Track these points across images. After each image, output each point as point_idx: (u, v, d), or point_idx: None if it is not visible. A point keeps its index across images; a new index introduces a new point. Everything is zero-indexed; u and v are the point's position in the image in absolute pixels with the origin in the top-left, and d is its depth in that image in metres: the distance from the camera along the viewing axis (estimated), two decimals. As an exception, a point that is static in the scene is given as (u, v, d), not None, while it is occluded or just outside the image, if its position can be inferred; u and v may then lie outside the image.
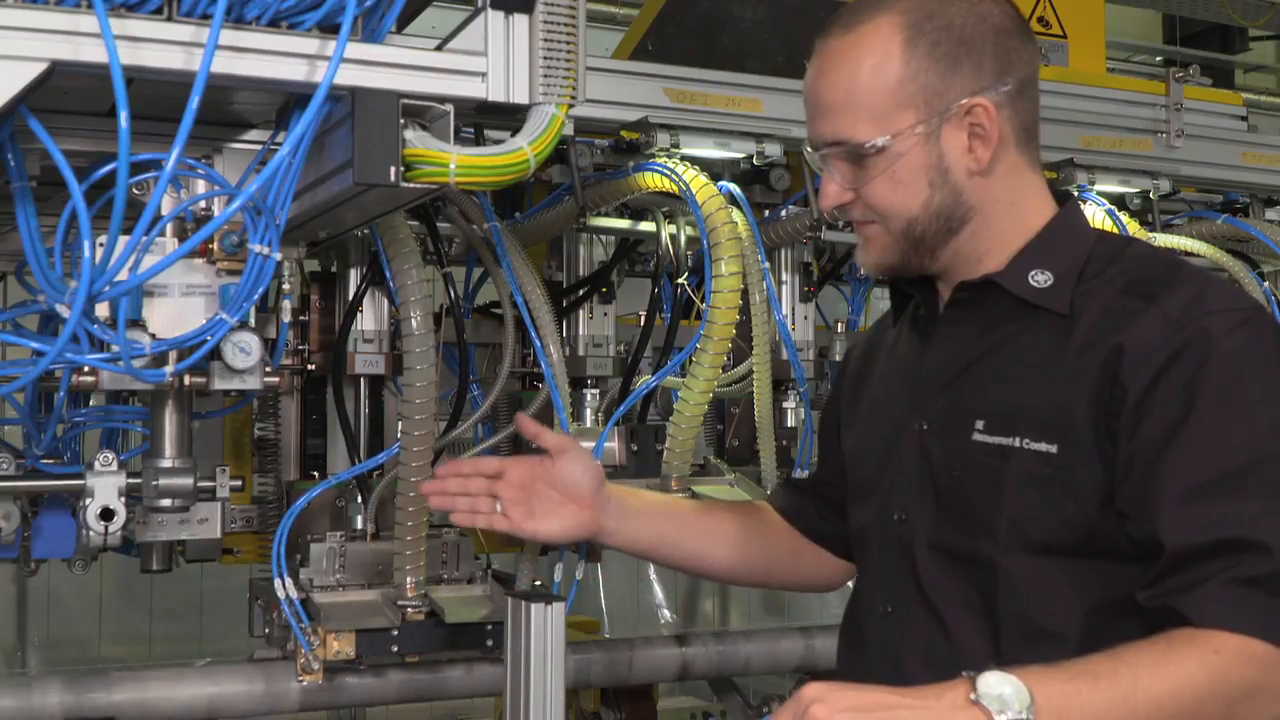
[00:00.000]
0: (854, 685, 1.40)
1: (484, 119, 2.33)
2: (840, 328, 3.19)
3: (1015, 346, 1.62)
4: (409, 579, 2.33)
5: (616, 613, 5.99)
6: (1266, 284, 3.32)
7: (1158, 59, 8.93)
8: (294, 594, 2.29)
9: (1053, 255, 1.63)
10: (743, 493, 2.69)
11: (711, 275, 2.29)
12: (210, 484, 2.13)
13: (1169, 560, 1.44)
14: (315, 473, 2.65)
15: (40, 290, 1.69)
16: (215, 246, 1.85)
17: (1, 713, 2.29)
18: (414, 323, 2.19)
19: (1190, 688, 1.36)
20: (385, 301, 2.50)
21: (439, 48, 1.77)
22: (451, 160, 1.66)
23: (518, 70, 1.74)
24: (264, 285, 1.75)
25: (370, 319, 2.51)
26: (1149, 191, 2.96)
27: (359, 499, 2.51)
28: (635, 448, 2.66)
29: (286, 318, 2.04)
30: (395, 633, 2.31)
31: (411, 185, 1.65)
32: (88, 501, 2.02)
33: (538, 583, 2.44)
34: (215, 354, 1.83)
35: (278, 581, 2.28)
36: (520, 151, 1.72)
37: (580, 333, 2.76)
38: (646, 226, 2.74)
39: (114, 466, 2.04)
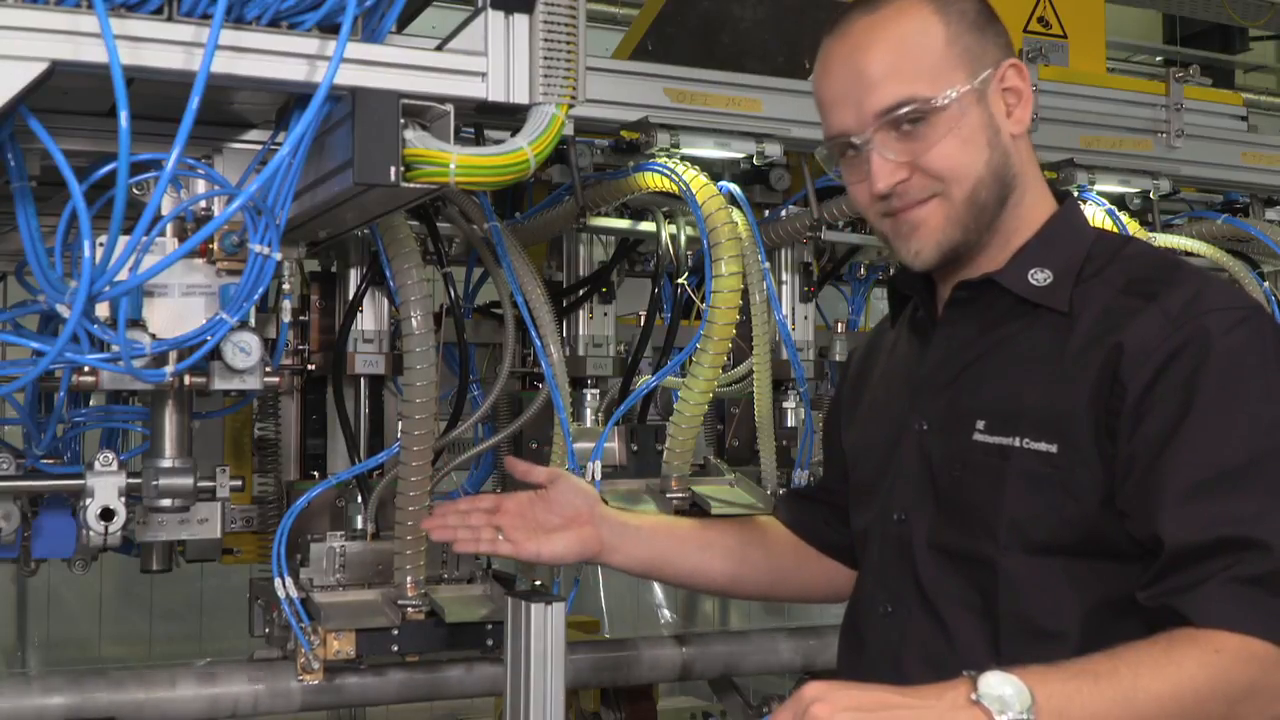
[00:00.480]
0: (855, 684, 1.40)
1: (484, 119, 2.33)
2: (840, 328, 3.19)
3: (1015, 346, 1.62)
4: (409, 579, 2.33)
5: (616, 613, 5.99)
6: (1266, 284, 3.32)
7: (1158, 59, 8.94)
8: (294, 594, 2.29)
9: (1052, 254, 1.63)
10: (743, 493, 2.69)
11: (711, 275, 2.29)
12: (210, 484, 2.13)
13: (1168, 559, 1.44)
14: (315, 473, 2.65)
15: (40, 290, 1.69)
16: (215, 246, 1.85)
17: (1, 713, 2.29)
18: (414, 323, 2.19)
19: (1191, 687, 1.37)
20: (385, 301, 2.50)
21: (439, 48, 1.77)
22: (451, 160, 1.66)
23: (518, 70, 1.74)
24: (264, 285, 1.75)
25: (370, 319, 2.51)
26: (1149, 191, 2.96)
27: (359, 499, 2.51)
28: (635, 448, 2.66)
29: (286, 318, 2.04)
30: (395, 632, 2.31)
31: (411, 185, 1.65)
32: (88, 501, 2.02)
33: (538, 583, 2.44)
34: (215, 354, 1.83)
35: (278, 581, 2.28)
36: (520, 151, 1.72)
37: (580, 333, 2.76)
38: (646, 226, 2.74)
39: (114, 466, 2.04)
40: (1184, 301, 1.51)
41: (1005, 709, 1.30)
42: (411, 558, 2.34)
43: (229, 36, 1.57)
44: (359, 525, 2.49)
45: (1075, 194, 2.87)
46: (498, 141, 1.82)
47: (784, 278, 2.97)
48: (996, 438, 1.58)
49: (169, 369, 1.79)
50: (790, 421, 2.98)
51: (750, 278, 2.48)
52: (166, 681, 2.39)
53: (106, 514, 2.02)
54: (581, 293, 2.76)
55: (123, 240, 1.62)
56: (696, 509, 2.55)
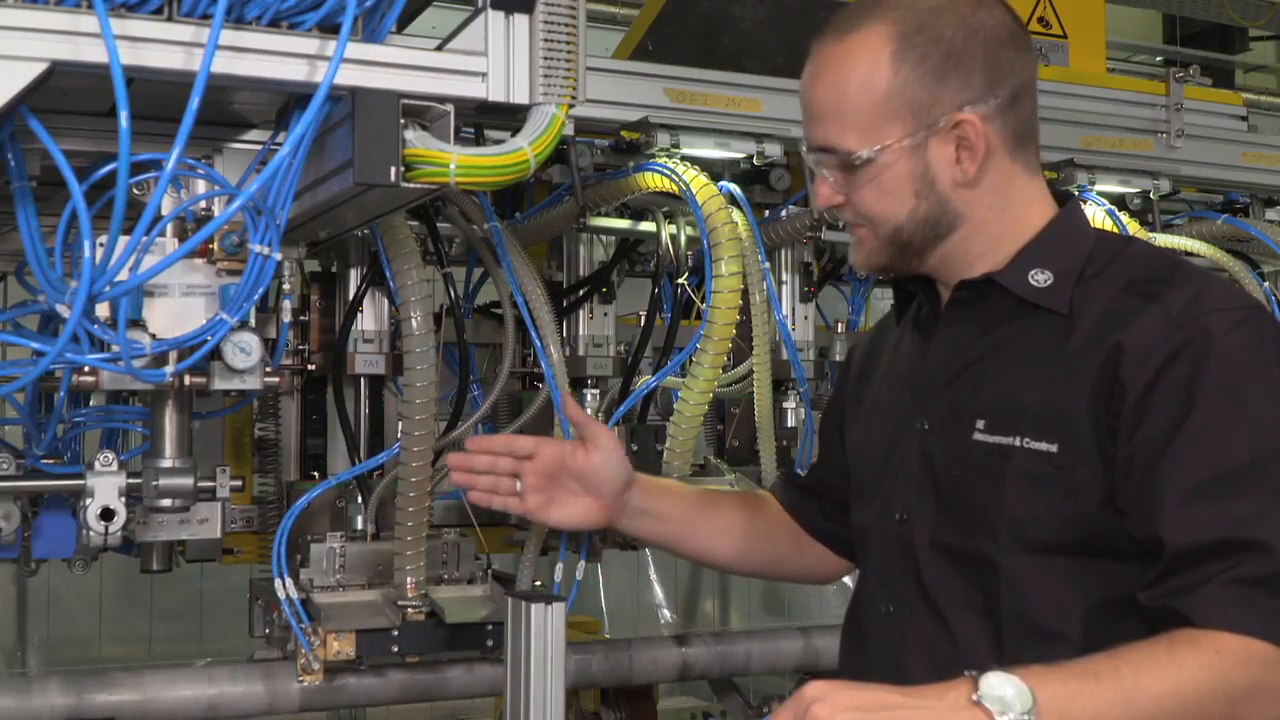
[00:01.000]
0: (856, 684, 1.41)
1: (484, 119, 2.33)
2: (840, 328, 3.19)
3: (1015, 346, 1.62)
4: (409, 579, 2.33)
5: (616, 613, 5.99)
6: (1266, 284, 3.32)
7: (1158, 59, 8.94)
8: (294, 594, 2.28)
9: (1053, 255, 1.63)
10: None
11: (711, 275, 2.29)
12: (210, 484, 2.12)
13: (1170, 560, 1.44)
14: (315, 473, 2.65)
15: (40, 290, 1.69)
16: (215, 246, 1.85)
17: (1, 713, 2.29)
18: (414, 323, 2.19)
19: (1192, 688, 1.37)
20: (385, 301, 2.50)
21: (439, 48, 1.77)
22: (451, 160, 1.66)
23: (518, 70, 1.74)
24: (264, 285, 1.75)
25: (370, 319, 2.51)
26: (1149, 191, 2.96)
27: (359, 499, 2.51)
28: (635, 448, 2.66)
29: (286, 318, 2.04)
30: (395, 633, 2.31)
31: (411, 185, 1.65)
32: (88, 501, 2.02)
33: (538, 583, 2.44)
34: (215, 354, 1.83)
35: (278, 581, 2.28)
36: (520, 151, 1.72)
37: (580, 333, 2.76)
38: (646, 226, 2.74)
39: (114, 466, 2.03)
40: (1184, 301, 1.51)
41: (1006, 709, 1.30)
42: (411, 558, 2.34)
43: (229, 36, 1.57)
44: (359, 525, 2.49)
45: (1076, 194, 2.88)
46: (498, 141, 1.82)
47: (784, 278, 2.97)
48: (997, 437, 1.58)
49: (169, 369, 1.79)
50: (790, 421, 2.98)
51: (750, 278, 2.48)
52: (166, 681, 2.39)
53: (106, 514, 2.02)
54: (581, 293, 2.76)
55: (123, 240, 1.61)
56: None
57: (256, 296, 1.76)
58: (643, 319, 2.90)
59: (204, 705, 2.39)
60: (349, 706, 4.04)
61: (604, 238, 2.88)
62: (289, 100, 1.81)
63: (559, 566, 2.49)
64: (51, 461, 2.24)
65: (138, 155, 1.55)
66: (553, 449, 1.97)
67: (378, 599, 2.40)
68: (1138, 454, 1.48)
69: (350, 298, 2.51)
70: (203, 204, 1.93)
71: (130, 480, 2.04)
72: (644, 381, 2.65)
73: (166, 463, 2.03)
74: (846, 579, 2.17)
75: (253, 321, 1.86)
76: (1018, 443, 1.56)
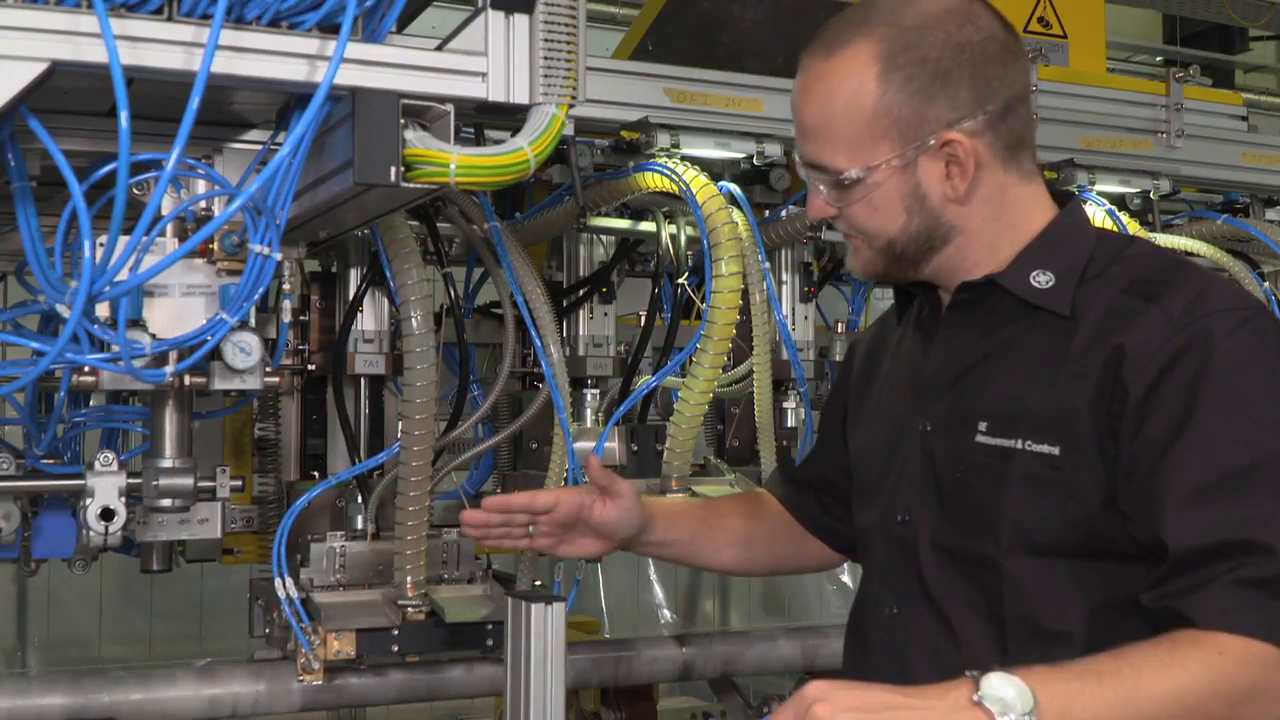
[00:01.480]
0: (857, 684, 1.40)
1: (484, 119, 2.33)
2: (840, 328, 3.19)
3: (1017, 347, 1.62)
4: (409, 579, 2.33)
5: (616, 613, 5.98)
6: (1266, 284, 3.32)
7: (1158, 59, 8.93)
8: (294, 594, 2.29)
9: (1054, 256, 1.63)
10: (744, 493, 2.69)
11: (711, 275, 2.29)
12: (210, 484, 2.12)
13: (1172, 562, 1.44)
14: (315, 473, 2.65)
15: (40, 290, 1.69)
16: (215, 246, 1.85)
17: (1, 713, 2.29)
18: (414, 323, 2.19)
19: (1194, 689, 1.37)
20: (385, 301, 2.50)
21: (439, 48, 1.77)
22: (452, 160, 1.66)
23: (518, 70, 1.74)
24: (264, 285, 1.75)
25: (370, 319, 2.51)
26: (1149, 191, 2.96)
27: (359, 499, 2.51)
28: (635, 448, 2.66)
29: (286, 318, 2.04)
30: (395, 633, 2.31)
31: (412, 185, 1.65)
32: (88, 501, 2.02)
33: (538, 583, 2.44)
34: (215, 354, 1.83)
35: (278, 581, 2.28)
36: (520, 151, 1.72)
37: (580, 333, 2.76)
38: (646, 226, 2.74)
39: (114, 466, 2.03)
40: (1186, 302, 1.51)
41: (1008, 710, 1.30)
42: (411, 558, 2.34)
43: (229, 36, 1.57)
44: (359, 525, 2.49)
45: (1076, 193, 2.87)
46: (498, 141, 1.82)
47: (784, 278, 2.97)
48: (999, 439, 1.58)
49: (169, 369, 1.79)
50: (790, 421, 2.98)
51: (750, 278, 2.48)
52: (166, 681, 2.39)
53: (106, 514, 2.02)
54: (581, 293, 2.76)
55: (123, 240, 1.61)
56: (696, 509, 2.55)
57: (256, 296, 1.76)
58: (643, 319, 2.90)
59: (204, 705, 2.39)
60: (349, 706, 4.04)
61: (604, 238, 2.88)
62: (289, 100, 1.81)
63: (559, 566, 2.49)
64: (51, 461, 2.24)
65: (138, 155, 1.55)
66: (571, 502, 1.94)
67: (378, 599, 2.40)
68: (1140, 456, 1.48)
69: (350, 298, 2.51)
70: (203, 204, 1.93)
71: (130, 480, 2.04)
72: (644, 381, 2.65)
73: (166, 463, 2.03)
74: (847, 579, 2.18)
75: (253, 321, 1.86)
76: (1019, 445, 1.56)
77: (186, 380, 1.91)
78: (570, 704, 2.70)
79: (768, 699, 3.01)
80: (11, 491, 2.12)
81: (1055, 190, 1.72)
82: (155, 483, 2.02)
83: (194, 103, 1.51)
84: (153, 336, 1.80)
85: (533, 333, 2.45)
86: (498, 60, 1.74)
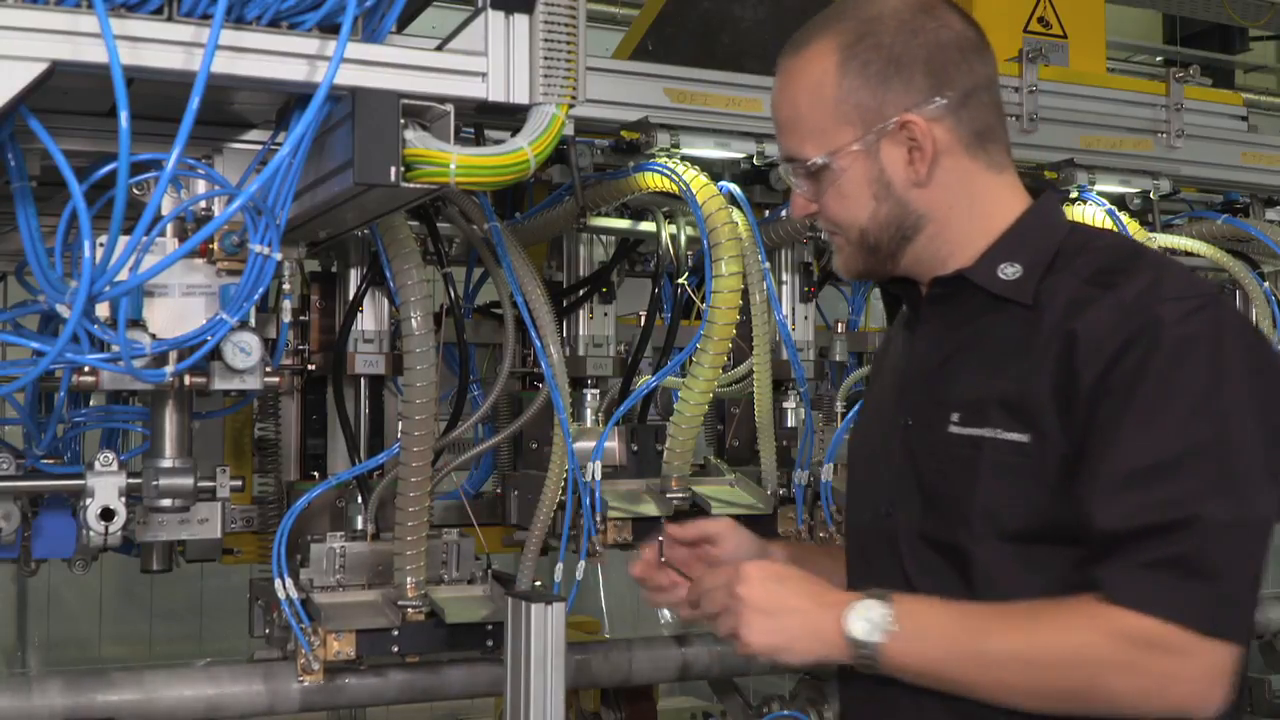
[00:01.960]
0: (786, 577, 1.59)
1: (484, 119, 2.33)
2: (840, 328, 3.19)
3: (987, 339, 1.65)
4: (409, 579, 2.33)
5: (616, 613, 5.97)
6: (1266, 284, 3.32)
7: (1158, 59, 8.93)
8: (294, 594, 2.29)
9: (1022, 248, 1.65)
10: (743, 493, 2.69)
11: (711, 275, 2.29)
12: (210, 484, 2.13)
13: (1100, 543, 1.47)
14: (315, 473, 2.65)
15: (40, 290, 1.69)
16: (215, 246, 1.85)
17: (1, 713, 2.29)
18: (414, 323, 2.19)
19: (1050, 651, 1.46)
20: (385, 301, 2.50)
21: (439, 48, 1.77)
22: (452, 160, 1.66)
23: (518, 70, 1.74)
24: (264, 285, 1.75)
25: (370, 319, 2.51)
26: (1149, 191, 2.96)
27: (359, 499, 2.51)
28: (635, 448, 2.66)
29: (286, 318, 2.04)
30: (395, 633, 2.31)
31: (412, 185, 1.66)
32: (88, 501, 2.02)
33: (538, 583, 2.44)
34: (215, 354, 1.83)
35: (278, 582, 2.28)
36: (520, 151, 1.72)
37: (580, 333, 2.76)
38: (646, 226, 2.74)
39: (114, 466, 2.04)
40: (1139, 290, 1.53)
41: (869, 622, 1.50)
42: (411, 558, 2.33)
43: (229, 36, 1.57)
44: (359, 525, 2.49)
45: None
46: (498, 141, 1.82)
47: (784, 278, 2.97)
48: (970, 429, 1.61)
49: (169, 369, 1.79)
50: (790, 421, 2.98)
51: (750, 278, 2.48)
52: (166, 682, 2.39)
53: (106, 514, 2.02)
54: (581, 293, 2.76)
55: (123, 240, 1.62)
56: (696, 509, 2.55)
57: (256, 296, 1.76)
58: (643, 319, 2.90)
59: (204, 705, 2.39)
60: (349, 706, 4.04)
61: (604, 238, 2.87)
62: (289, 100, 1.81)
63: (559, 566, 2.49)
64: (51, 461, 2.24)
65: (138, 155, 1.55)
66: (682, 552, 1.92)
67: (378, 599, 2.40)
68: (1087, 442, 1.51)
69: (350, 298, 2.51)
70: (203, 204, 1.93)
71: (130, 480, 2.04)
72: (644, 381, 2.65)
73: (166, 463, 2.03)
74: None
75: (253, 321, 1.86)
76: (990, 434, 1.59)
77: (186, 380, 1.91)
78: (570, 704, 2.70)
79: (768, 699, 3.01)
80: (11, 491, 2.12)
81: (1034, 185, 1.74)
82: (155, 483, 2.01)
83: (194, 103, 1.51)
84: (153, 336, 1.80)
85: (533, 333, 2.45)
86: (498, 60, 1.74)
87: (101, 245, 1.61)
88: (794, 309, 2.96)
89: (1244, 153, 3.14)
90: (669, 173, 2.38)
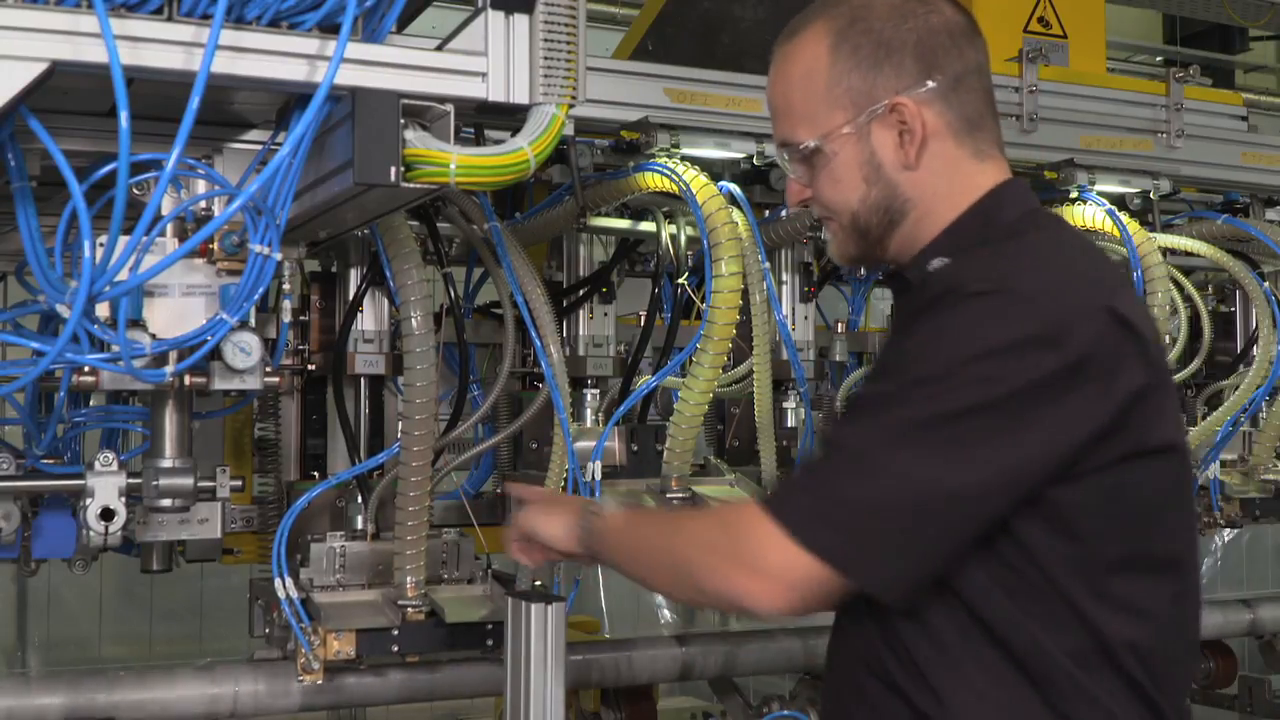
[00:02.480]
0: (553, 506, 1.90)
1: (484, 119, 2.33)
2: (840, 328, 3.19)
3: (910, 330, 1.66)
4: (409, 579, 2.33)
5: (616, 613, 5.98)
6: (1266, 284, 3.32)
7: (1158, 59, 8.93)
8: (294, 594, 2.28)
9: (954, 240, 1.66)
10: (743, 493, 2.69)
11: (711, 275, 2.29)
12: (210, 484, 2.12)
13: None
14: (315, 473, 2.65)
15: (40, 290, 1.69)
16: (215, 246, 1.85)
17: (1, 713, 2.29)
18: (414, 323, 2.19)
19: (677, 533, 1.67)
20: (385, 301, 2.50)
21: (439, 48, 1.77)
22: (452, 160, 1.66)
23: (518, 70, 1.74)
24: (264, 285, 1.75)
25: (370, 319, 2.51)
26: (1149, 191, 2.96)
27: (359, 499, 2.51)
28: (635, 448, 2.66)
29: (286, 318, 2.04)
30: (395, 633, 2.31)
31: (412, 185, 1.66)
32: (88, 501, 2.02)
33: (538, 583, 2.43)
34: (215, 354, 1.83)
35: (278, 581, 2.28)
36: (520, 151, 1.72)
37: (580, 333, 2.76)
38: (646, 226, 2.74)
39: (114, 466, 2.03)
40: (952, 273, 1.57)
41: (593, 506, 1.82)
42: (411, 558, 2.34)
43: (229, 36, 1.57)
44: (359, 525, 2.49)
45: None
46: (498, 141, 1.82)
47: (784, 278, 2.97)
48: None
49: (169, 369, 1.79)
50: (790, 421, 2.98)
51: (750, 278, 2.48)
52: (166, 681, 2.39)
53: (106, 514, 2.02)
54: (581, 293, 2.76)
55: (123, 240, 1.62)
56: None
57: (256, 296, 1.76)
58: (643, 319, 2.90)
59: (204, 705, 2.39)
60: (349, 706, 4.04)
61: (604, 238, 2.87)
62: (289, 100, 1.81)
63: (559, 566, 2.49)
64: (51, 461, 2.24)
65: (138, 155, 1.55)
66: None
67: (378, 599, 2.40)
68: None
69: (350, 298, 2.51)
70: (203, 204, 1.93)
71: (130, 480, 2.04)
72: (644, 381, 2.65)
73: (166, 463, 2.03)
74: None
75: (253, 321, 1.86)
76: None
77: (186, 380, 1.91)
78: (570, 704, 2.70)
79: (768, 699, 3.01)
80: (11, 491, 2.12)
81: (1007, 182, 1.72)
82: (155, 483, 2.01)
83: (194, 103, 1.51)
84: (153, 336, 1.80)
85: (533, 333, 2.45)
86: (498, 60, 1.74)
87: (101, 245, 1.61)
88: (794, 309, 2.96)
89: (1244, 153, 3.14)
90: (669, 173, 2.38)
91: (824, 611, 1.57)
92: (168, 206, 1.86)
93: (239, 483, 2.21)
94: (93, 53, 1.50)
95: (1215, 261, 3.24)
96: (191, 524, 2.26)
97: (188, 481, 2.03)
